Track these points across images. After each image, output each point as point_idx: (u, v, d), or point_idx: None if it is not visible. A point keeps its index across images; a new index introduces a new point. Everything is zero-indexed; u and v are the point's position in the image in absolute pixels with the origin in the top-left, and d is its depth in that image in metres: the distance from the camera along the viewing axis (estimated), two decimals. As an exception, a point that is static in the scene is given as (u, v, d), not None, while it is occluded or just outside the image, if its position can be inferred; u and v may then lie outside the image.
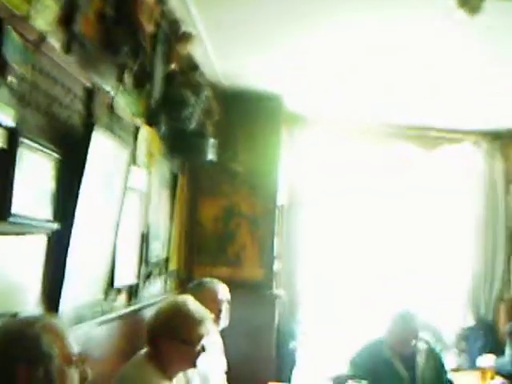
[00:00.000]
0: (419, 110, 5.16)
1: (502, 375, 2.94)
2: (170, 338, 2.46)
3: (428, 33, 3.37)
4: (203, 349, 2.51)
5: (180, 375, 2.64)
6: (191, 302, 2.64)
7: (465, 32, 3.28)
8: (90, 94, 2.30)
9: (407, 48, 3.65)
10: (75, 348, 1.54)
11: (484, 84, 4.31)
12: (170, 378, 2.50)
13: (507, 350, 2.66)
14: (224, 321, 3.57)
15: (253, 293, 4.65)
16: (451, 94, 4.59)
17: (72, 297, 2.20)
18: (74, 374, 1.51)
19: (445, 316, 5.50)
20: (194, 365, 2.53)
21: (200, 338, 2.51)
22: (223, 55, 3.96)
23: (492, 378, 4.24)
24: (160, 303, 2.84)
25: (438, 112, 5.19)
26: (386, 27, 3.33)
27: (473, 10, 2.79)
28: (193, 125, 3.48)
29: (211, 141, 3.99)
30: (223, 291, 3.63)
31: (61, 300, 2.06)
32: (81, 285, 2.31)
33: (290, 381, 4.75)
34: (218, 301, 3.54)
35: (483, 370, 4.30)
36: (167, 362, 2.47)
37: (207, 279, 3.74)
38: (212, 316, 3.05)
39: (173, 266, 4.16)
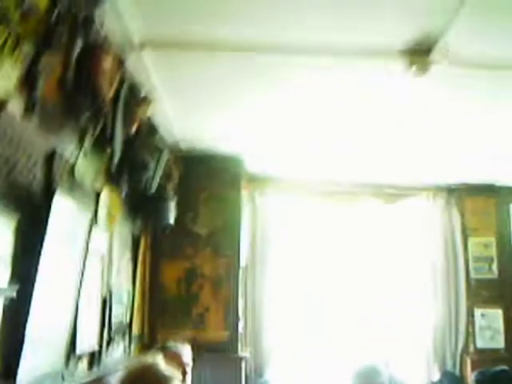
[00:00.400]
0: (378, 168, 5.29)
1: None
2: None
3: (384, 94, 3.50)
4: None
5: None
6: (160, 361, 2.65)
7: (418, 93, 3.43)
8: (51, 158, 2.31)
9: (364, 109, 3.78)
10: None
11: (439, 141, 4.46)
12: None
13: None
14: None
15: (218, 354, 4.58)
16: (407, 150, 4.73)
17: (31, 366, 2.14)
18: None
19: (410, 369, 5.47)
20: None
21: None
22: (182, 118, 4.03)
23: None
24: (128, 363, 2.80)
25: (396, 169, 5.33)
26: (343, 89, 3.45)
27: (420, 71, 2.95)
28: (153, 188, 3.50)
29: (172, 204, 4.00)
30: (187, 354, 3.60)
31: (19, 369, 2.00)
32: (40, 352, 2.26)
33: None
34: (183, 364, 3.50)
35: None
36: None
37: (171, 343, 3.71)
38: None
39: (136, 329, 4.09)
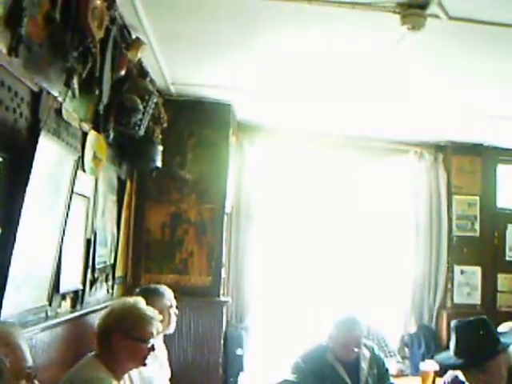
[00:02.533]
0: (367, 122, 5.28)
1: (447, 368, 2.97)
2: (123, 334, 2.53)
3: (378, 48, 3.45)
4: (153, 347, 2.60)
5: (125, 378, 2.66)
6: (142, 302, 2.75)
7: (408, 49, 3.39)
8: (37, 98, 2.29)
9: (356, 62, 3.74)
10: (29, 361, 1.47)
11: (430, 99, 4.45)
12: (119, 378, 2.54)
13: (451, 345, 2.75)
14: (171, 327, 3.61)
15: (200, 299, 4.65)
16: (398, 107, 4.72)
17: (15, 302, 2.18)
18: None
19: (388, 323, 5.61)
20: (143, 363, 2.61)
21: (150, 336, 2.59)
22: (173, 63, 3.97)
23: (433, 381, 4.36)
24: (112, 303, 2.88)
25: (385, 124, 5.33)
26: (336, 40, 3.40)
27: (415, 27, 2.91)
28: (141, 131, 3.49)
29: (160, 147, 3.99)
30: (170, 297, 3.66)
31: (2, 305, 2.04)
32: (24, 290, 2.29)
33: (236, 387, 4.78)
34: (166, 306, 3.57)
35: (425, 374, 4.42)
36: (117, 360, 2.52)
37: (154, 285, 3.78)
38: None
39: (120, 272, 4.14)
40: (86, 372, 2.44)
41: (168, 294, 3.67)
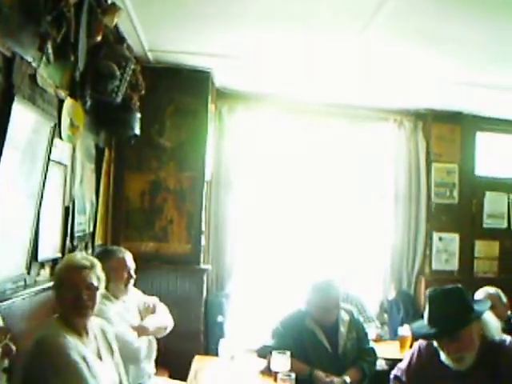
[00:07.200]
0: (347, 90, 5.26)
1: (420, 338, 3.02)
2: (54, 288, 2.53)
3: (353, 16, 3.42)
4: (79, 296, 2.47)
5: (101, 338, 2.64)
6: (79, 253, 2.78)
7: (387, 15, 3.36)
8: (10, 64, 2.25)
9: (335, 28, 3.71)
10: None
11: (407, 66, 4.44)
12: (79, 333, 2.49)
13: (425, 314, 2.79)
14: (128, 288, 3.59)
15: (180, 267, 4.67)
16: (378, 74, 4.70)
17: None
18: None
19: (368, 288, 5.68)
20: (77, 312, 2.49)
21: (71, 282, 2.47)
22: (150, 29, 3.91)
23: (411, 345, 4.44)
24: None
25: (365, 92, 5.31)
26: (315, 6, 3.36)
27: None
28: (119, 98, 3.45)
29: (138, 115, 3.96)
30: (130, 258, 3.65)
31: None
32: (2, 258, 2.28)
33: (217, 354, 4.82)
34: (128, 267, 3.56)
35: (402, 339, 4.50)
36: (65, 316, 2.47)
37: (113, 247, 3.78)
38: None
39: (99, 240, 4.13)
40: (41, 331, 2.40)
41: (127, 256, 3.65)
